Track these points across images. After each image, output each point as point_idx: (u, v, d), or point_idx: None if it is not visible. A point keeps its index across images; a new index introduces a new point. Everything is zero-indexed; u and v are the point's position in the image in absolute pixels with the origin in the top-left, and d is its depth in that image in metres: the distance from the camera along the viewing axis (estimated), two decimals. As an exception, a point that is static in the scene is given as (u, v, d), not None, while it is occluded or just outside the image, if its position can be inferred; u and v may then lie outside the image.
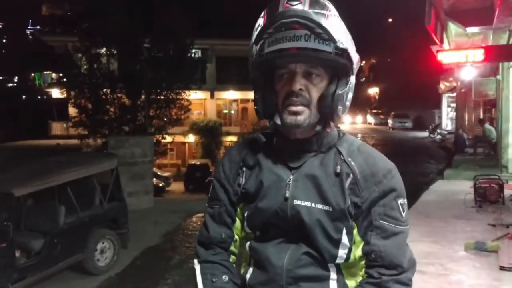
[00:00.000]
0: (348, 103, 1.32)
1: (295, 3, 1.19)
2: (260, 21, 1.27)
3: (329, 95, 1.27)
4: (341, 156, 1.32)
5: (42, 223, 6.70)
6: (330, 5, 1.25)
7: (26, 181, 6.58)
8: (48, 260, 6.47)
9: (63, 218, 6.76)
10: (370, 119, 46.18)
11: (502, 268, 5.17)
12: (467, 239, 6.25)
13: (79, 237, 7.04)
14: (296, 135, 1.33)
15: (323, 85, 1.29)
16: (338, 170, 1.29)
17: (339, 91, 1.27)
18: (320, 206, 1.27)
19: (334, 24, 1.23)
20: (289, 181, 1.31)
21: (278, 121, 1.30)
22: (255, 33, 1.28)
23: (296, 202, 1.29)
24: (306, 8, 1.19)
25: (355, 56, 1.30)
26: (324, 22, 1.20)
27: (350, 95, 1.33)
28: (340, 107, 1.29)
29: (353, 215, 1.28)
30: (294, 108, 1.26)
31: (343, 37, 1.25)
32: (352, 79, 1.32)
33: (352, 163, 1.30)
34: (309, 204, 1.28)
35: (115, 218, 7.89)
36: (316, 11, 1.20)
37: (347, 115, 36.55)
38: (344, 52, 1.25)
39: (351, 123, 45.09)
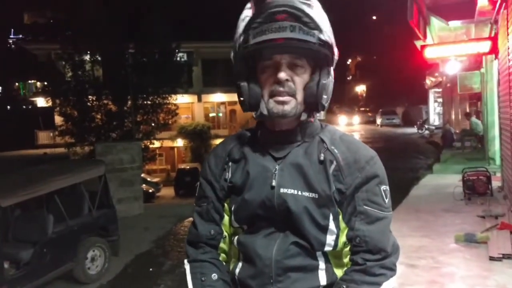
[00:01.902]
0: (330, 94, 1.34)
1: None
2: (247, 12, 1.31)
3: (314, 85, 1.30)
4: (324, 145, 1.34)
5: (31, 233, 6.61)
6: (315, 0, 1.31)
7: (12, 191, 6.49)
8: (37, 270, 6.38)
9: (51, 227, 6.67)
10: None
11: (492, 259, 5.22)
12: (457, 231, 6.30)
13: (68, 246, 6.95)
14: (281, 126, 1.35)
15: (307, 76, 1.31)
16: (322, 158, 1.32)
17: (323, 81, 1.30)
18: (306, 193, 1.30)
19: (319, 15, 1.28)
20: (275, 171, 1.33)
21: (265, 111, 1.31)
22: (242, 24, 1.31)
23: (282, 190, 1.30)
24: None
25: (335, 48, 1.34)
26: (310, 12, 1.25)
27: (331, 87, 1.35)
28: (324, 96, 1.31)
29: (338, 201, 1.31)
30: (280, 98, 1.28)
31: (327, 28, 1.29)
32: (332, 71, 1.35)
33: (335, 150, 1.33)
34: (295, 192, 1.30)
35: (105, 226, 7.81)
36: (302, 1, 1.25)
37: (342, 115, 35.93)
38: (327, 43, 1.28)
39: (348, 124, 41.78)
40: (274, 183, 1.31)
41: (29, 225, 6.75)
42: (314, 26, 1.24)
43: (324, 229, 1.30)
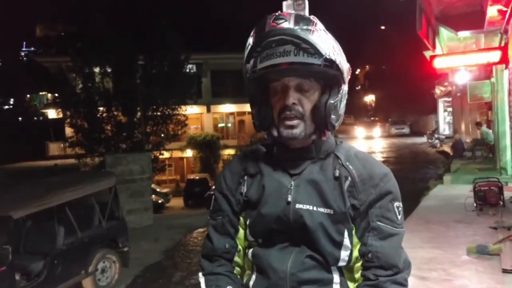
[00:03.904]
0: (341, 112, 1.37)
1: (280, 21, 1.25)
2: (250, 40, 1.32)
3: (322, 106, 1.31)
4: (339, 161, 1.37)
5: (42, 244, 6.65)
6: (316, 20, 1.30)
7: (24, 203, 6.54)
8: (48, 282, 6.39)
9: (62, 239, 6.71)
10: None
11: (505, 271, 5.14)
12: (469, 243, 6.22)
13: (79, 258, 6.98)
14: (294, 145, 1.37)
15: (316, 97, 1.33)
16: (337, 174, 1.34)
17: (331, 101, 1.32)
18: (321, 209, 1.31)
19: (321, 38, 1.27)
20: (290, 187, 1.35)
21: (275, 133, 1.35)
22: (246, 51, 1.33)
23: (298, 206, 1.32)
24: (291, 25, 1.25)
25: (345, 66, 1.35)
26: (310, 37, 1.25)
27: (343, 104, 1.37)
28: (333, 116, 1.33)
29: (352, 217, 1.33)
30: (289, 122, 1.31)
31: (330, 49, 1.29)
32: (344, 87, 1.37)
33: (350, 166, 1.35)
34: (311, 207, 1.32)
35: (115, 237, 7.84)
36: (301, 27, 1.25)
37: (359, 127, 35.21)
38: (333, 63, 1.29)
39: (366, 137, 38.05)
40: (290, 199, 1.33)
41: (40, 236, 6.79)
42: (313, 51, 1.26)
43: (339, 245, 1.32)
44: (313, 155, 1.38)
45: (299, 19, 1.26)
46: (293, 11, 1.32)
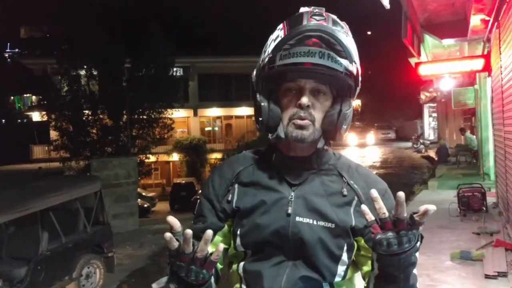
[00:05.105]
0: (349, 125, 1.34)
1: (319, 18, 1.24)
2: (279, 33, 1.28)
3: (335, 113, 1.29)
4: (344, 179, 1.34)
5: (25, 250, 6.58)
6: (347, 26, 1.30)
7: (7, 208, 6.47)
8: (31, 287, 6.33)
9: (46, 244, 6.65)
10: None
11: (487, 277, 5.23)
12: (453, 248, 6.31)
13: (63, 263, 6.92)
14: (296, 151, 1.33)
15: (327, 105, 1.30)
16: (346, 193, 1.31)
17: (345, 111, 1.29)
18: (322, 223, 1.28)
19: (353, 44, 1.28)
20: (291, 198, 1.31)
21: (282, 134, 1.29)
22: (273, 43, 1.28)
23: (298, 219, 1.28)
24: (330, 25, 1.24)
25: (359, 80, 1.33)
26: (345, 40, 1.24)
27: (351, 117, 1.34)
28: (344, 126, 1.31)
29: (364, 235, 1.29)
30: (300, 122, 1.26)
31: (356, 58, 1.29)
32: (352, 101, 1.34)
33: (355, 186, 1.33)
34: (311, 221, 1.28)
35: (100, 242, 7.78)
36: (338, 29, 1.24)
37: (350, 133, 33.71)
38: (353, 74, 1.28)
39: (359, 145, 36.54)
40: (290, 211, 1.29)
41: (23, 242, 6.72)
42: (345, 55, 1.24)
43: (337, 260, 1.29)
44: (314, 165, 1.34)
45: (335, 21, 1.26)
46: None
